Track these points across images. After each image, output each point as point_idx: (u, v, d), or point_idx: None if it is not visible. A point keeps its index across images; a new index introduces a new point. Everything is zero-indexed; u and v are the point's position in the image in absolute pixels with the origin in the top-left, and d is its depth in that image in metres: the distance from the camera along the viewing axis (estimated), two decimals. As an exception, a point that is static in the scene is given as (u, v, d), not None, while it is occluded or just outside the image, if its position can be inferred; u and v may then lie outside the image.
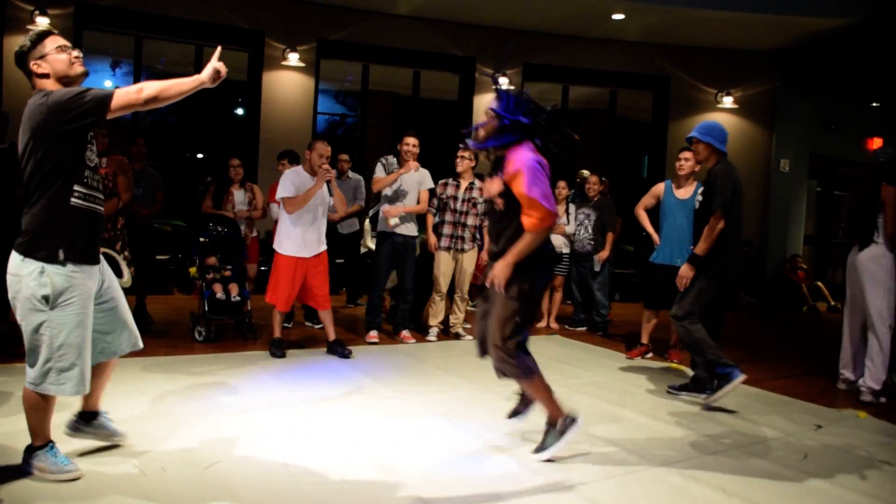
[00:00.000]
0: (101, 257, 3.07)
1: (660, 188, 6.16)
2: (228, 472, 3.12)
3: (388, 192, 6.26)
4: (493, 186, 3.36)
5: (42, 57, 2.85)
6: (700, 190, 4.82)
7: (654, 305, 6.15)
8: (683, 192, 5.95)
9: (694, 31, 10.60)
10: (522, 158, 3.23)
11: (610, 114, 12.02)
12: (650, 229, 6.24)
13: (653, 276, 6.10)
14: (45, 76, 2.86)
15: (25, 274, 2.76)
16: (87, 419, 3.27)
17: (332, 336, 5.72)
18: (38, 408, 2.89)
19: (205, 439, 3.51)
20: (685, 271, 4.68)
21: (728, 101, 11.37)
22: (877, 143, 12.82)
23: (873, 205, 5.13)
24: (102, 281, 3.03)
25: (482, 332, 3.59)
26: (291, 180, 5.45)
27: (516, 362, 3.36)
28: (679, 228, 5.89)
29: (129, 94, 2.77)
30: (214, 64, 2.91)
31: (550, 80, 11.62)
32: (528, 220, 3.23)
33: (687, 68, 11.44)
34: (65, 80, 2.88)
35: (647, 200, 6.27)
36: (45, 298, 2.76)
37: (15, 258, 2.80)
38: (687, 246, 5.93)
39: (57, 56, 2.86)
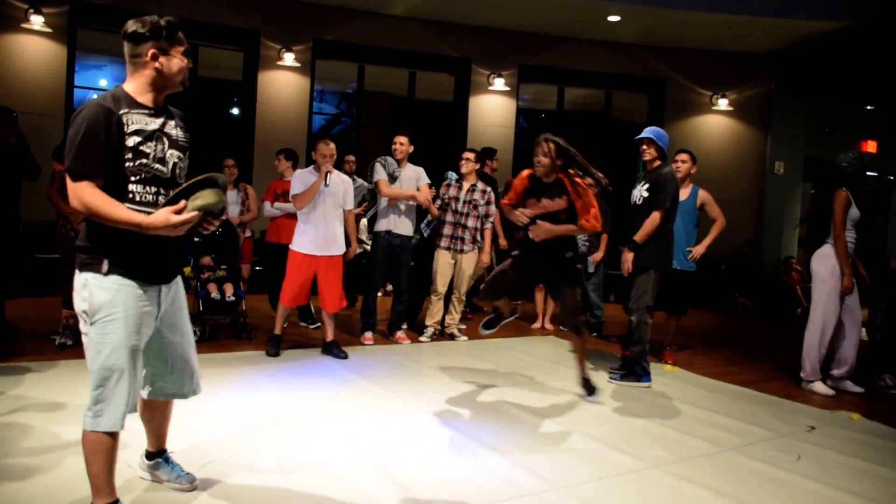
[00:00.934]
0: (172, 286, 2.72)
1: None
2: (223, 472, 3.11)
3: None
4: (557, 204, 4.42)
5: (164, 51, 2.52)
6: (646, 186, 5.23)
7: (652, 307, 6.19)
8: (680, 194, 5.97)
9: (689, 34, 10.64)
10: (583, 182, 4.41)
11: (605, 115, 12.04)
12: None
13: None
14: (156, 70, 2.53)
15: (75, 288, 2.51)
16: (148, 458, 2.99)
17: (329, 337, 5.73)
18: (97, 450, 2.46)
19: (199, 438, 3.51)
20: (626, 255, 5.18)
21: (723, 104, 11.41)
22: (871, 145, 12.89)
23: (829, 208, 5.39)
24: (165, 310, 2.69)
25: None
26: (300, 179, 5.62)
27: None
28: (675, 230, 5.89)
29: (74, 195, 2.38)
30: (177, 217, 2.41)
31: (546, 81, 11.64)
32: (589, 224, 4.41)
33: (682, 70, 11.48)
34: (163, 82, 2.57)
35: None
36: (85, 313, 2.46)
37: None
38: (683, 247, 5.99)
39: (178, 61, 2.56)
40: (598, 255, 7.22)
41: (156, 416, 2.92)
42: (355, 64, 10.83)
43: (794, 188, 11.95)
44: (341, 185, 5.69)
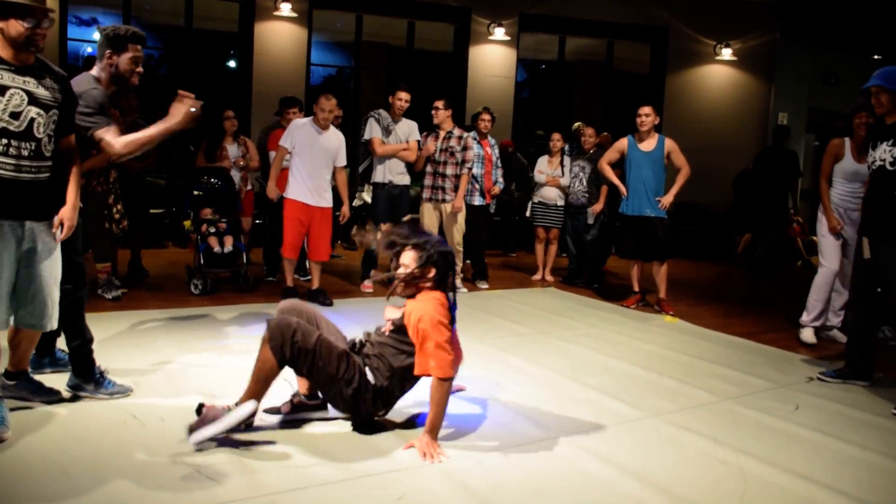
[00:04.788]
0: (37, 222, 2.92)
1: (623, 143, 6.38)
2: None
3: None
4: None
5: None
6: (888, 147, 4.08)
7: (629, 255, 6.49)
8: (646, 146, 6.22)
9: (694, -19, 10.43)
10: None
11: (607, 66, 11.87)
12: (616, 181, 6.47)
13: (625, 226, 6.43)
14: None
15: None
16: (9, 377, 3.23)
17: (315, 285, 5.90)
18: None
19: (202, 391, 3.52)
20: None
21: (727, 54, 11.24)
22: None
23: None
24: (30, 246, 2.91)
25: None
26: (293, 131, 5.76)
27: None
28: (646, 180, 6.19)
29: None
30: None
31: (547, 31, 11.44)
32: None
33: (685, 19, 11.27)
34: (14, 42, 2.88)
35: (611, 155, 6.51)
36: None
37: None
38: (653, 196, 6.15)
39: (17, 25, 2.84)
40: (598, 207, 7.19)
41: (23, 342, 3.17)
42: (353, 14, 10.64)
43: (797, 140, 11.82)
44: (336, 142, 5.80)
